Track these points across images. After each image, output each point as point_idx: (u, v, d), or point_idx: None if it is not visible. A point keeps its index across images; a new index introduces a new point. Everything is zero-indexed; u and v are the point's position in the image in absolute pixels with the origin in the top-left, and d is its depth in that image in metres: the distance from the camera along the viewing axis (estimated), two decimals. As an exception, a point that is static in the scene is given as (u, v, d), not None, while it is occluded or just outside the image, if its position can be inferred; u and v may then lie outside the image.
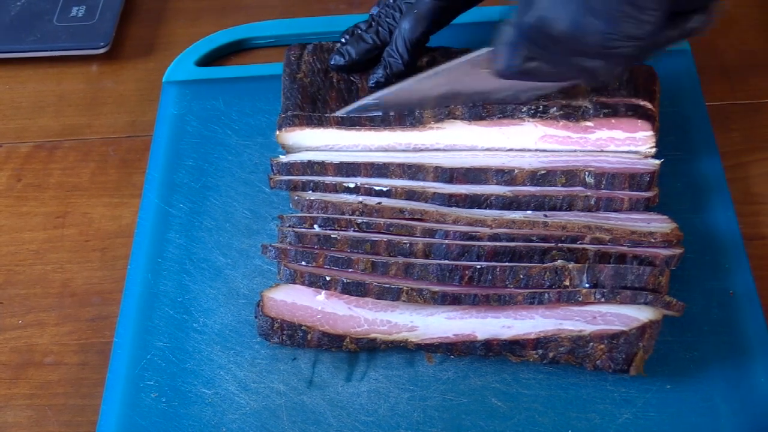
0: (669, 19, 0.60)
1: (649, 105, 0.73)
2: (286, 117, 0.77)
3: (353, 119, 0.76)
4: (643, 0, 0.58)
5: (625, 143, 0.73)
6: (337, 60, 0.80)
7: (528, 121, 0.72)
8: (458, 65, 0.73)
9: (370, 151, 0.76)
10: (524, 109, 0.72)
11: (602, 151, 0.73)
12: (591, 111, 0.72)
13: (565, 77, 0.67)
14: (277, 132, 0.77)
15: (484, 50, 0.70)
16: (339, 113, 0.77)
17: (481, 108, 0.73)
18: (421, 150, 0.75)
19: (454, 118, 0.73)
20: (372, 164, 0.73)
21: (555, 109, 0.72)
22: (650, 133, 0.72)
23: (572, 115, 0.72)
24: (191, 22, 0.96)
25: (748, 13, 0.91)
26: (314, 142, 0.77)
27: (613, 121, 0.72)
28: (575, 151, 0.73)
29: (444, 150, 0.75)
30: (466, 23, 0.83)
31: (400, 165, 0.72)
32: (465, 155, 0.74)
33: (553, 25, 0.61)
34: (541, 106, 0.72)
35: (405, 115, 0.75)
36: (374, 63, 0.80)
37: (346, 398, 0.67)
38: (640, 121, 0.72)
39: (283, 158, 0.76)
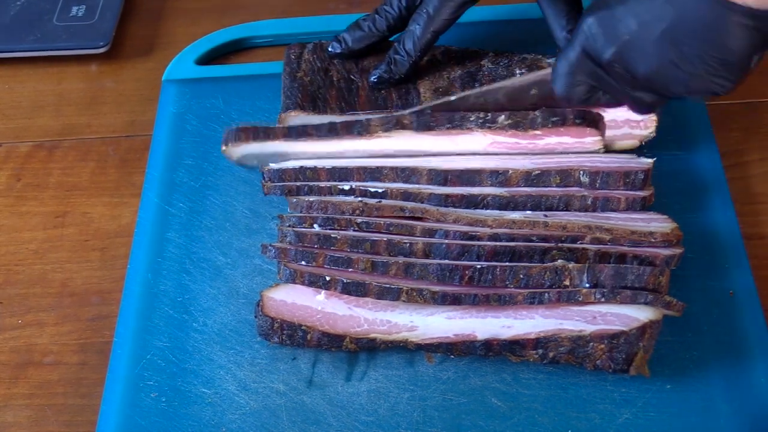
0: None
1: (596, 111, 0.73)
2: (230, 131, 0.74)
3: (300, 130, 0.73)
4: (736, 61, 0.57)
5: (574, 146, 0.73)
6: (333, 47, 0.81)
7: (476, 131, 0.72)
8: (520, 84, 0.72)
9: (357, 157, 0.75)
10: (473, 118, 0.72)
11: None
12: (539, 120, 0.72)
13: (618, 105, 0.67)
14: (223, 147, 0.74)
15: (539, 73, 0.70)
16: (405, 112, 0.75)
17: (429, 118, 0.72)
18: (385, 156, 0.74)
19: (403, 128, 0.72)
20: (365, 168, 0.73)
21: (503, 117, 0.72)
22: (598, 137, 0.72)
23: (521, 124, 0.72)
24: (191, 21, 0.96)
25: (749, 13, 0.91)
26: (263, 153, 0.74)
27: (561, 129, 0.72)
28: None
29: (395, 156, 0.74)
30: (465, 22, 0.83)
31: (393, 169, 0.72)
32: (458, 159, 0.74)
33: (633, 65, 0.60)
34: (489, 115, 0.72)
35: (352, 124, 0.73)
36: (371, 52, 0.80)
37: (345, 398, 0.67)
38: (588, 128, 0.72)
39: (274, 165, 0.75)
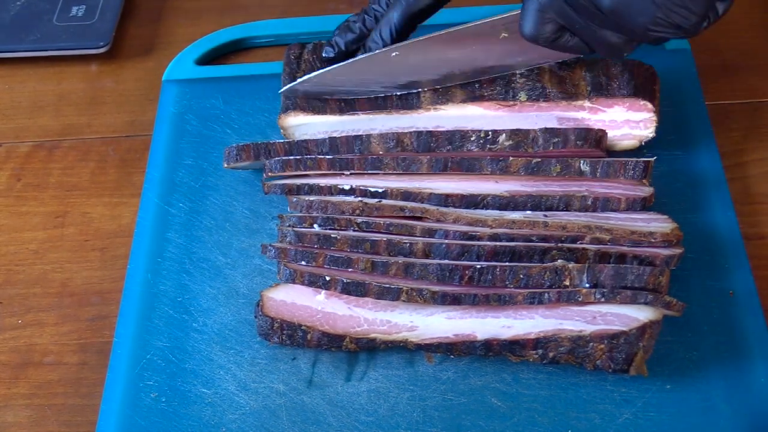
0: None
1: (598, 130, 0.73)
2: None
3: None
4: None
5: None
6: (327, 52, 0.81)
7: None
8: (475, 26, 0.72)
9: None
10: (473, 138, 0.72)
11: None
12: (540, 141, 0.72)
13: (585, 50, 0.67)
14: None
15: (507, 14, 0.69)
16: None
17: (430, 137, 0.73)
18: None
19: (403, 149, 0.73)
20: (365, 158, 0.73)
21: (504, 137, 0.72)
22: (602, 154, 0.74)
23: (521, 145, 0.72)
24: (191, 21, 0.96)
25: (748, 13, 0.91)
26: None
27: (563, 151, 0.73)
28: None
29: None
30: (464, 22, 0.83)
31: (394, 158, 0.72)
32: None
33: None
34: (490, 134, 0.72)
35: (352, 146, 0.74)
36: None
37: (345, 398, 0.67)
38: (589, 150, 0.72)
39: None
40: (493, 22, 0.71)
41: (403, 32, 0.76)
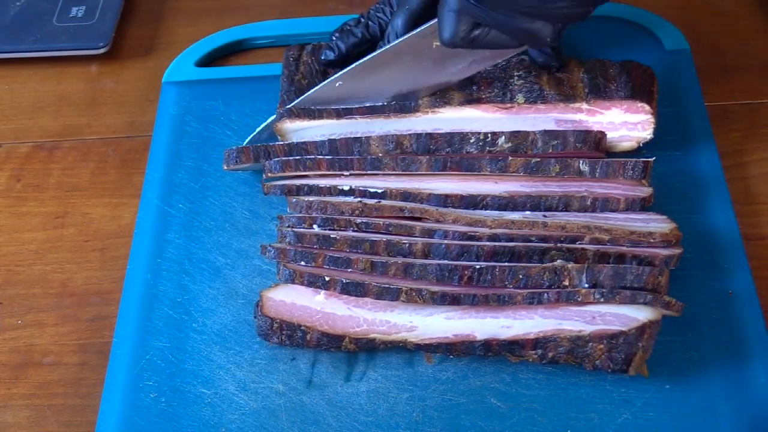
0: None
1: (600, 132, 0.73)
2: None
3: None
4: None
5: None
6: (327, 55, 0.81)
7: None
8: (405, 41, 0.73)
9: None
10: (473, 140, 0.73)
11: None
12: (540, 144, 0.72)
13: (511, 43, 0.68)
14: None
15: (429, 23, 0.71)
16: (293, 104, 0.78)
17: (429, 141, 0.73)
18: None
19: (403, 152, 0.74)
20: (364, 159, 0.73)
21: (503, 140, 0.73)
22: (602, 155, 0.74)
23: (520, 147, 0.72)
24: (191, 22, 0.96)
25: (748, 13, 0.91)
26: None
27: (563, 153, 0.73)
28: None
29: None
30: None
31: (393, 157, 0.72)
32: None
33: None
34: (489, 137, 0.73)
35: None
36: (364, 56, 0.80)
37: (345, 398, 0.67)
38: (589, 152, 0.73)
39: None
40: (423, 32, 0.72)
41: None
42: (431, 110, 0.76)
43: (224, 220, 0.78)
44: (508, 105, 0.75)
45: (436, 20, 0.70)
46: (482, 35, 0.68)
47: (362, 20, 0.80)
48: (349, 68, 0.75)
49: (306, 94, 0.78)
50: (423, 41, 0.72)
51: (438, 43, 0.72)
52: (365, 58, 0.75)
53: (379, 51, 0.75)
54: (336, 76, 0.76)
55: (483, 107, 0.75)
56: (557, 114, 0.75)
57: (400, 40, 0.74)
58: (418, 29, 0.72)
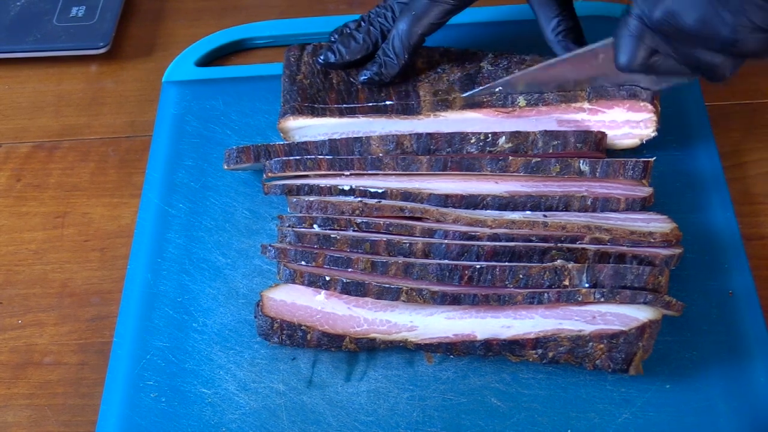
0: None
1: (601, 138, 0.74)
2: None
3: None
4: None
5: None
6: (327, 57, 0.80)
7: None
8: (581, 54, 0.72)
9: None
10: (473, 140, 0.73)
11: None
12: (540, 144, 0.72)
13: (686, 72, 0.66)
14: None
15: (608, 41, 0.69)
16: (464, 95, 0.77)
17: (430, 140, 0.73)
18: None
19: (404, 152, 0.74)
20: (365, 158, 0.73)
21: (503, 140, 0.73)
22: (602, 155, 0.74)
23: (521, 147, 0.72)
24: (191, 22, 0.96)
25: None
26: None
27: (563, 153, 0.73)
28: None
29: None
30: (463, 23, 0.83)
31: (394, 157, 0.72)
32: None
33: (681, 19, 0.61)
34: (489, 137, 0.73)
35: (352, 153, 0.75)
36: (364, 62, 0.80)
37: (345, 398, 0.67)
38: (589, 152, 0.73)
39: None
40: (592, 51, 0.72)
41: (414, 46, 0.77)
42: (433, 113, 0.76)
43: (224, 220, 0.78)
44: (510, 109, 0.75)
45: (610, 40, 0.68)
46: (659, 62, 0.65)
47: (363, 24, 0.80)
48: (512, 76, 0.76)
49: (521, 72, 0.76)
50: (596, 59, 0.72)
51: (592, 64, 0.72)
52: (554, 60, 0.74)
53: (562, 56, 0.74)
54: (499, 81, 0.76)
55: (484, 111, 0.75)
56: (559, 114, 0.75)
57: (576, 53, 0.73)
58: (595, 45, 0.71)
